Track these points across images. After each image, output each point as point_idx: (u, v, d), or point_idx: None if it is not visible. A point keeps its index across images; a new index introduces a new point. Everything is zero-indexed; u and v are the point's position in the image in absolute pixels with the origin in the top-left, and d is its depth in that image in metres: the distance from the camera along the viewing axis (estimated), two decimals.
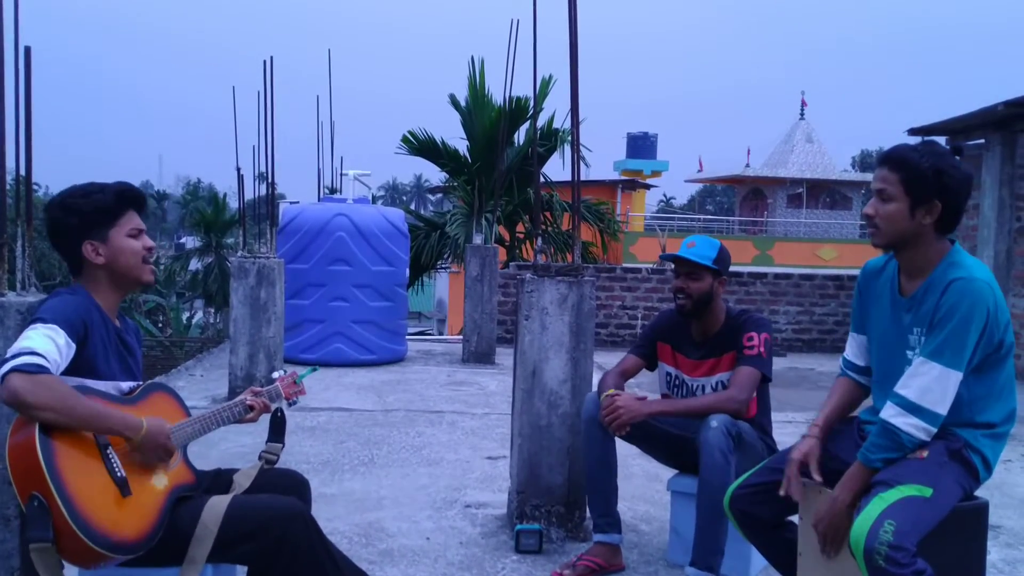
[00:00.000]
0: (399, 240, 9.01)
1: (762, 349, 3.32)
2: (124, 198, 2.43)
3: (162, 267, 27.32)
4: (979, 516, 2.49)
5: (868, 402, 2.74)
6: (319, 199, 9.72)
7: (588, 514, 3.52)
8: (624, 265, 12.90)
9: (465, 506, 4.24)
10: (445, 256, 16.02)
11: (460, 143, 15.38)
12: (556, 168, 37.40)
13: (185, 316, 25.16)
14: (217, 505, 2.31)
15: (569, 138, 7.05)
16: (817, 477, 2.52)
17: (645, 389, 5.40)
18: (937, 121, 9.37)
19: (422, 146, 15.20)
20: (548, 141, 14.71)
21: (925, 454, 2.38)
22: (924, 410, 2.35)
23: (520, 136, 14.83)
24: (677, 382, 3.54)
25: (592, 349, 3.78)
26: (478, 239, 9.57)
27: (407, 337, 9.81)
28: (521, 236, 15.97)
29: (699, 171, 42.85)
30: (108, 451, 2.19)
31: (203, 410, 2.59)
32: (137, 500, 2.21)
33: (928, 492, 2.28)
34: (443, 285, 29.54)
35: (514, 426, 3.91)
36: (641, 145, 41.80)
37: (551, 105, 16.73)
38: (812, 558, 2.55)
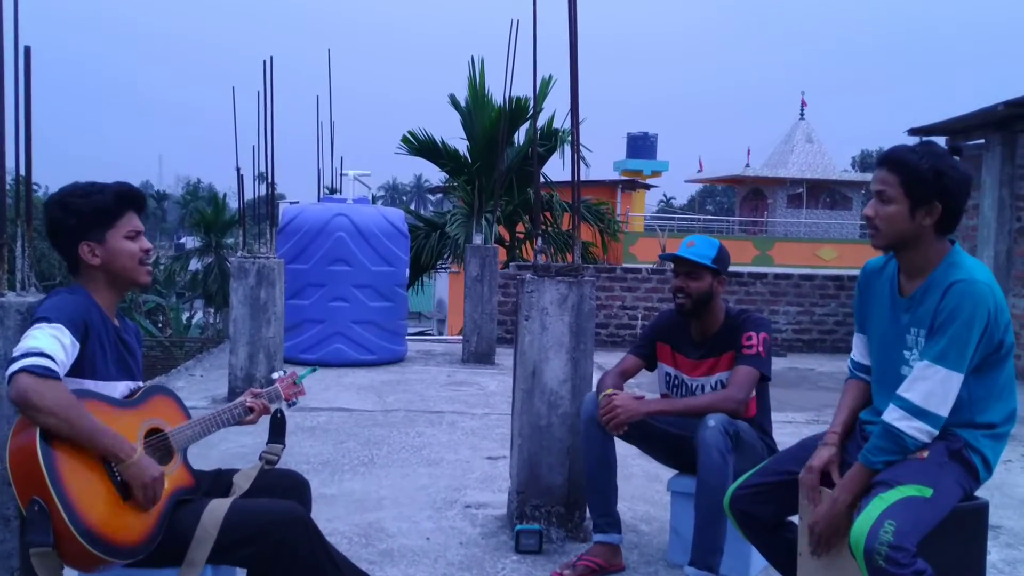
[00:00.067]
0: (399, 240, 9.01)
1: (761, 349, 3.32)
2: (123, 199, 2.42)
3: (162, 267, 27.33)
4: (979, 516, 2.49)
5: None
6: (319, 199, 9.72)
7: (588, 514, 3.52)
8: (624, 265, 12.90)
9: (465, 506, 4.24)
10: (445, 256, 16.01)
11: (460, 143, 15.40)
12: (556, 168, 37.46)
13: (185, 316, 25.17)
14: (217, 509, 2.31)
15: (569, 138, 7.04)
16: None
17: (645, 389, 5.40)
18: (937, 121, 9.37)
19: (422, 146, 15.19)
20: (548, 141, 14.70)
21: (925, 454, 2.38)
22: (928, 414, 2.36)
23: (520, 136, 14.83)
24: (676, 382, 3.54)
25: (592, 349, 3.78)
26: (478, 239, 9.57)
27: (407, 337, 9.82)
28: (521, 236, 15.97)
29: (699, 171, 42.85)
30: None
31: (203, 410, 2.60)
32: (137, 504, 2.20)
33: (928, 492, 2.28)
34: (443, 285, 29.54)
35: (514, 426, 3.90)
36: (641, 145, 41.80)
37: (551, 105, 16.76)
38: (812, 558, 2.55)
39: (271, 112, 7.01)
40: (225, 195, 32.14)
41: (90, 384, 2.28)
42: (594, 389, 3.53)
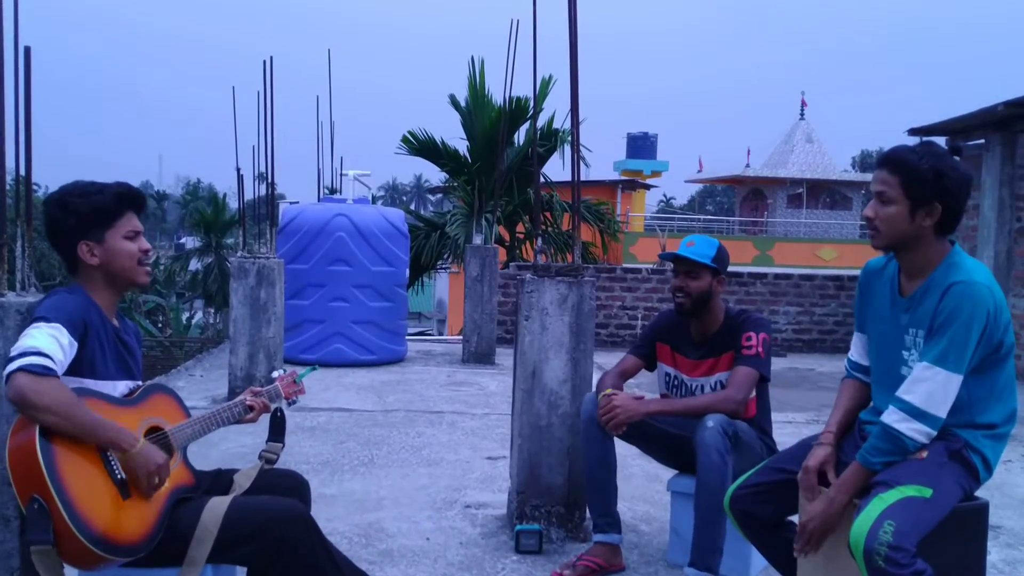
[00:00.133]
0: (399, 240, 9.01)
1: (760, 349, 3.32)
2: (123, 199, 2.42)
3: (162, 267, 27.34)
4: (979, 516, 2.49)
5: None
6: (319, 199, 9.72)
7: (588, 514, 3.52)
8: (624, 265, 12.90)
9: (465, 506, 4.23)
10: (445, 256, 16.01)
11: (460, 143, 15.40)
12: (556, 168, 37.49)
13: (185, 316, 25.17)
14: (217, 506, 2.31)
15: (569, 138, 7.05)
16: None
17: (644, 389, 5.40)
18: (937, 121, 9.37)
19: (422, 146, 15.19)
20: (548, 141, 14.70)
21: (925, 455, 2.38)
22: (928, 415, 2.36)
23: (520, 136, 14.83)
24: (676, 382, 3.54)
25: (592, 349, 3.78)
26: (478, 239, 9.57)
27: (407, 337, 9.82)
28: (521, 236, 15.97)
29: (699, 171, 42.86)
30: (108, 453, 2.19)
31: (203, 410, 2.59)
32: (137, 502, 2.21)
33: (928, 493, 2.28)
34: (443, 285, 29.53)
35: (514, 426, 3.90)
36: (641, 145, 41.81)
37: (551, 105, 16.74)
38: (812, 558, 2.55)
39: (271, 112, 7.01)
40: (225, 195, 32.15)
41: (90, 383, 2.28)
42: (594, 389, 3.53)
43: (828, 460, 2.54)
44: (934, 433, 2.38)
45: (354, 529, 3.84)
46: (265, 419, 2.74)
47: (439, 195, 31.63)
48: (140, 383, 2.48)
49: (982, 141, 8.99)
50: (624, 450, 3.57)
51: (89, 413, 2.14)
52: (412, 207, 41.69)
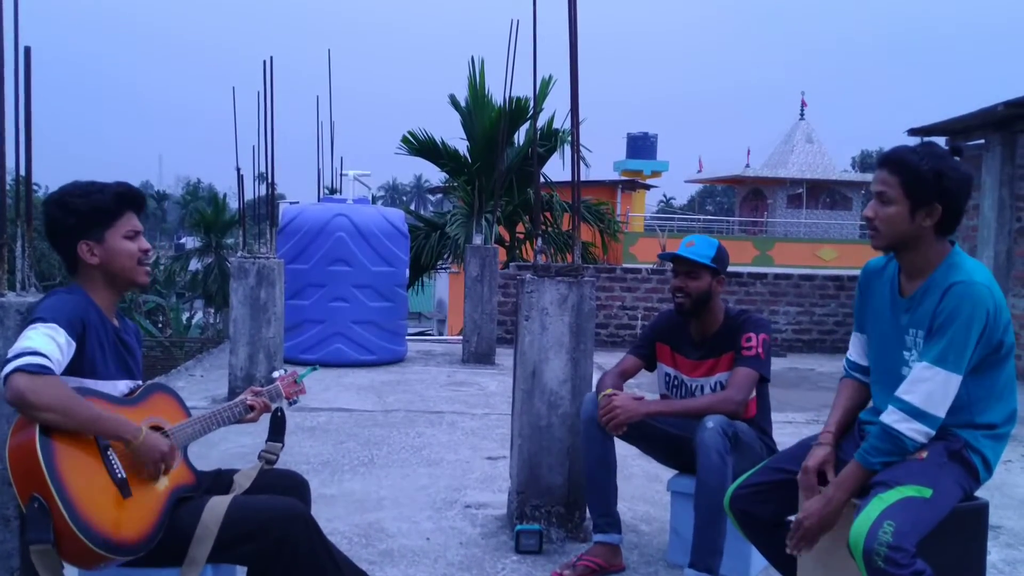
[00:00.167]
0: (399, 240, 9.01)
1: (760, 350, 3.32)
2: (123, 199, 2.42)
3: (162, 267, 27.35)
4: (979, 517, 2.49)
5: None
6: (319, 199, 9.72)
7: (588, 514, 3.52)
8: (624, 265, 12.90)
9: (465, 506, 4.23)
10: (445, 256, 16.01)
11: (460, 143, 15.40)
12: (556, 168, 37.46)
13: (185, 316, 25.18)
14: (217, 506, 2.31)
15: (569, 138, 7.05)
16: None
17: (644, 389, 5.40)
18: (937, 121, 9.37)
19: (422, 146, 15.19)
20: (548, 141, 14.70)
21: (924, 455, 2.38)
22: (928, 415, 2.36)
23: (520, 136, 14.83)
24: (676, 382, 3.54)
25: (592, 349, 3.78)
26: (478, 239, 9.57)
27: (407, 337, 9.82)
28: (521, 236, 15.97)
29: (699, 171, 42.85)
30: (108, 452, 2.19)
31: (203, 410, 2.59)
32: (137, 501, 2.21)
33: (928, 493, 2.28)
34: (443, 285, 29.54)
35: (514, 426, 3.90)
36: (641, 145, 41.80)
37: (551, 105, 16.74)
38: (812, 558, 2.55)
39: (271, 112, 7.01)
40: (225, 195, 32.16)
41: (90, 383, 2.28)
42: (594, 389, 3.53)
43: (828, 460, 2.54)
44: (933, 433, 2.38)
45: (354, 529, 3.84)
46: (265, 419, 2.74)
47: (439, 195, 31.63)
48: (140, 383, 2.48)
49: (982, 141, 8.99)
50: (624, 450, 3.57)
51: (90, 407, 2.14)
52: (412, 207, 41.70)
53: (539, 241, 4.42)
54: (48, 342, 2.13)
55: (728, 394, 3.26)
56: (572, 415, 3.69)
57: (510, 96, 8.95)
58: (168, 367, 10.82)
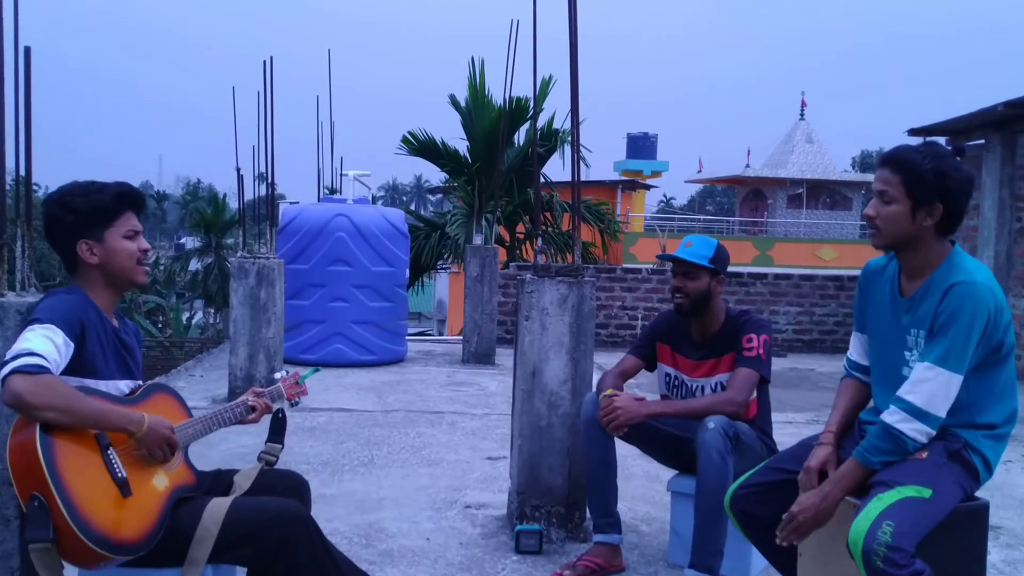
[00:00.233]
0: (399, 240, 9.01)
1: (761, 351, 3.32)
2: (122, 199, 2.42)
3: (162, 267, 27.37)
4: (979, 517, 2.49)
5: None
6: (319, 199, 9.72)
7: (588, 515, 3.52)
8: (624, 265, 12.90)
9: (465, 507, 4.23)
10: (445, 256, 16.01)
11: (460, 143, 15.40)
12: (556, 168, 37.48)
13: (185, 316, 25.19)
14: (218, 507, 2.31)
15: (569, 138, 7.04)
16: None
17: (645, 390, 5.40)
18: (937, 121, 9.37)
19: (422, 146, 15.19)
20: (548, 141, 14.70)
21: (925, 455, 2.38)
22: (929, 415, 2.36)
23: (520, 136, 14.82)
24: (676, 383, 3.54)
25: (592, 350, 3.78)
26: (478, 239, 9.56)
27: (407, 338, 9.81)
28: (521, 236, 15.96)
29: (699, 172, 42.85)
30: (109, 451, 2.19)
31: (203, 410, 2.59)
32: (137, 501, 2.21)
33: (927, 493, 2.27)
34: (443, 285, 29.53)
35: (514, 427, 3.90)
36: (641, 145, 41.81)
37: (551, 105, 16.74)
38: (812, 558, 2.55)
39: (271, 112, 7.01)
40: (225, 195, 32.15)
41: (91, 383, 2.28)
42: (594, 390, 3.53)
43: (829, 460, 2.54)
44: (934, 433, 2.38)
45: (354, 529, 3.84)
46: (266, 419, 2.74)
47: (439, 195, 31.62)
48: (140, 383, 2.48)
49: (982, 141, 8.99)
50: (624, 450, 3.57)
51: (91, 403, 2.14)
52: (412, 207, 41.68)
53: (539, 241, 4.42)
54: (45, 343, 2.13)
55: (729, 395, 3.25)
56: (572, 415, 3.69)
57: (510, 96, 8.95)
58: (168, 367, 10.82)
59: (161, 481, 2.31)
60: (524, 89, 20.88)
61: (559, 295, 3.70)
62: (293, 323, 8.26)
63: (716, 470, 3.03)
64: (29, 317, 2.24)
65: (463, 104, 15.00)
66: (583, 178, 6.99)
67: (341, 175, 11.12)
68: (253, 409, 2.64)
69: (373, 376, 8.09)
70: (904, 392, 2.40)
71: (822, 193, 37.02)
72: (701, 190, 70.53)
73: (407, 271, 9.39)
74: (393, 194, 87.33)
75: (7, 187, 2.78)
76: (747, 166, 37.92)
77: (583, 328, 3.73)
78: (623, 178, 34.63)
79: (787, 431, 5.69)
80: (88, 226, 2.37)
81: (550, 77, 13.75)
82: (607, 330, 11.03)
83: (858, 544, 2.17)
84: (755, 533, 2.75)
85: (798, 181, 36.11)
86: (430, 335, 20.42)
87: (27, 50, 2.80)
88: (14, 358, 2.08)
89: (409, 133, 15.06)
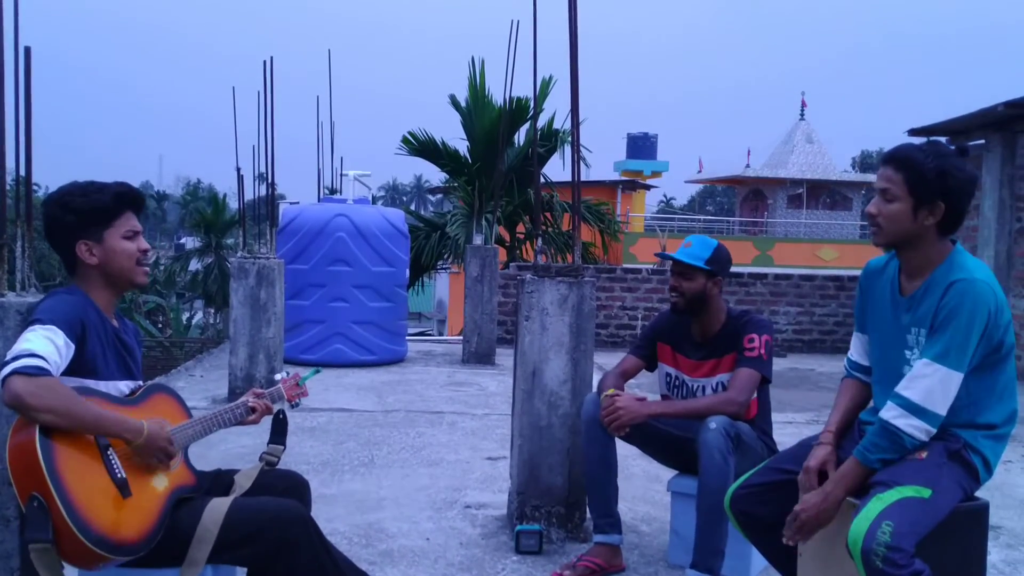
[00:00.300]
0: (399, 241, 9.01)
1: (763, 351, 3.32)
2: (122, 199, 2.42)
3: (162, 267, 27.37)
4: (979, 517, 2.49)
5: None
6: (319, 199, 9.72)
7: (588, 515, 3.52)
8: (624, 266, 12.90)
9: (465, 507, 4.23)
10: (445, 257, 16.01)
11: (460, 143, 15.39)
12: (556, 168, 37.43)
13: (185, 317, 25.19)
14: (218, 507, 2.31)
15: (569, 138, 7.04)
16: None
17: (645, 390, 5.40)
18: (938, 121, 9.37)
19: (422, 146, 15.18)
20: (548, 142, 14.70)
21: (924, 454, 2.38)
22: (927, 412, 2.35)
23: (520, 136, 14.82)
24: (677, 383, 3.54)
25: (592, 350, 3.78)
26: (478, 240, 9.56)
27: (407, 338, 9.81)
28: (521, 237, 15.96)
29: (699, 172, 42.85)
30: (109, 452, 2.19)
31: (203, 411, 2.59)
32: (137, 501, 2.21)
33: (927, 493, 2.27)
34: (443, 286, 29.53)
35: (514, 427, 3.90)
36: (641, 145, 41.81)
37: (551, 105, 16.73)
38: (812, 558, 2.55)
39: (271, 112, 7.01)
40: (225, 195, 32.13)
41: (91, 384, 2.28)
42: (595, 390, 3.53)
43: (829, 460, 2.54)
44: (933, 430, 2.37)
45: (354, 529, 3.84)
46: (266, 420, 2.74)
47: (439, 195, 31.62)
48: (141, 383, 2.48)
49: (982, 141, 8.99)
50: (625, 450, 3.56)
51: (90, 408, 2.13)
52: (412, 207, 41.67)
53: (539, 241, 4.43)
54: (46, 344, 2.12)
55: (730, 395, 3.25)
56: (572, 415, 3.69)
57: (510, 96, 8.95)
58: (168, 367, 10.82)
59: (161, 482, 2.31)
60: (524, 89, 20.88)
61: (559, 295, 3.70)
62: (293, 323, 8.26)
63: (718, 470, 3.03)
64: (30, 317, 2.24)
65: (463, 104, 14.99)
66: (583, 178, 6.98)
67: (341, 175, 11.12)
68: (253, 410, 2.64)
69: (373, 376, 8.09)
70: (901, 388, 2.40)
71: (822, 193, 37.02)
72: (701, 190, 70.54)
73: (407, 271, 9.39)
74: (393, 194, 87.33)
75: (7, 187, 2.78)
76: (747, 166, 37.92)
77: (583, 328, 3.73)
78: (623, 178, 34.63)
79: (787, 431, 5.69)
80: (87, 226, 2.37)
81: (550, 77, 13.75)
82: (607, 330, 11.03)
83: (857, 544, 2.17)
84: (755, 533, 2.75)
85: (798, 181, 36.11)
86: (430, 335, 20.42)
87: (27, 50, 2.80)
88: (15, 358, 2.07)
89: (409, 133, 15.06)
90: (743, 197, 39.36)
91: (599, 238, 16.87)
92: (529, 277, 3.77)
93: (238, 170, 7.66)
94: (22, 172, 2.87)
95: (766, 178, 36.72)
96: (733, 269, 3.60)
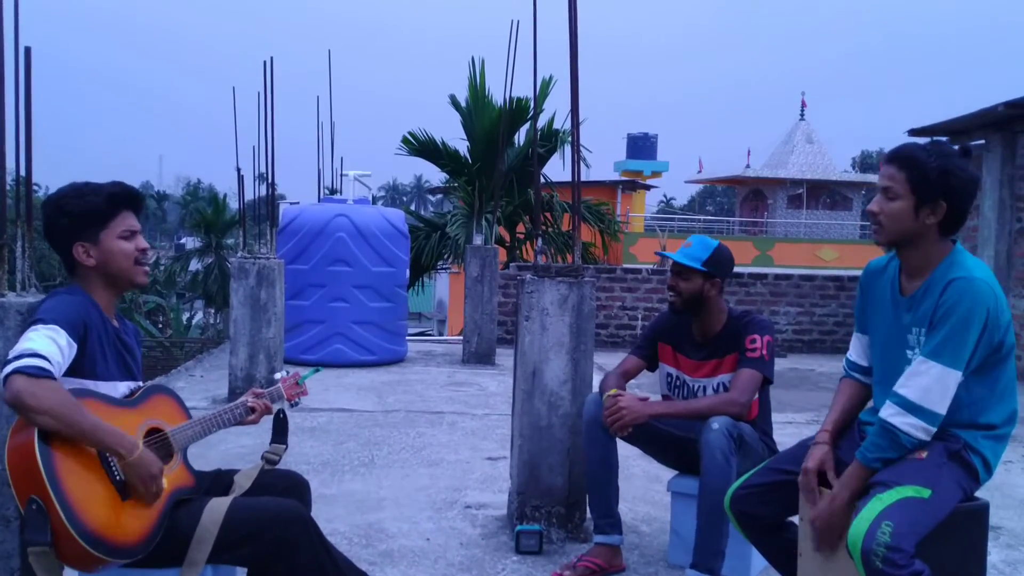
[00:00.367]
0: (399, 241, 9.01)
1: (764, 352, 3.32)
2: (116, 200, 2.41)
3: (162, 268, 27.38)
4: (979, 517, 2.49)
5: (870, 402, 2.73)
6: (319, 200, 9.72)
7: (588, 515, 3.52)
8: (624, 266, 12.89)
9: (465, 507, 4.23)
10: (445, 257, 16.01)
11: (460, 144, 15.39)
12: (556, 169, 37.39)
13: (185, 317, 25.20)
14: (217, 507, 2.31)
15: (569, 138, 7.04)
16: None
17: (646, 390, 5.40)
18: (938, 122, 9.37)
19: (422, 147, 15.18)
20: (548, 142, 14.69)
21: (924, 455, 2.38)
22: (924, 410, 2.35)
23: (520, 137, 14.82)
24: (678, 383, 3.54)
25: (592, 350, 3.78)
26: (478, 240, 9.56)
27: (407, 338, 9.81)
28: (521, 237, 15.95)
29: (699, 172, 42.85)
30: (108, 454, 2.18)
31: (203, 411, 2.59)
32: (136, 503, 2.20)
33: (927, 493, 2.27)
34: (443, 286, 29.53)
35: (514, 427, 3.90)
36: (641, 146, 41.80)
37: (551, 106, 16.75)
38: (812, 558, 2.55)
39: (271, 112, 7.01)
40: (225, 195, 32.14)
41: (90, 384, 2.28)
42: (595, 390, 3.53)
43: (826, 459, 2.54)
44: (932, 429, 2.37)
45: (354, 529, 3.84)
46: (265, 420, 2.74)
47: (439, 195, 31.61)
48: (140, 384, 2.48)
49: (982, 141, 8.99)
50: (625, 451, 3.56)
51: (87, 417, 2.12)
52: (412, 207, 41.68)
53: (539, 241, 4.43)
54: (49, 344, 2.12)
55: (732, 396, 3.25)
56: (572, 415, 3.69)
57: (510, 96, 8.95)
58: (168, 367, 10.83)
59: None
60: (524, 89, 20.88)
61: (559, 295, 3.70)
62: (293, 323, 8.27)
63: (720, 471, 3.02)
64: (32, 317, 2.23)
65: (463, 104, 14.99)
66: (583, 178, 6.97)
67: (341, 175, 11.12)
68: (253, 410, 2.64)
69: (373, 376, 8.09)
70: (898, 386, 2.40)
71: (822, 193, 37.01)
72: (701, 190, 70.53)
73: (407, 271, 9.39)
74: (393, 194, 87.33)
75: (7, 187, 2.78)
76: (747, 166, 37.92)
77: (583, 328, 3.73)
78: (623, 178, 34.61)
79: (787, 431, 5.69)
80: (82, 228, 2.36)
81: (550, 77, 13.75)
82: (607, 330, 11.02)
83: (857, 544, 2.17)
84: (755, 534, 2.75)
85: (798, 181, 36.11)
86: (430, 335, 20.42)
87: (27, 50, 2.80)
88: (18, 357, 2.07)
89: (409, 133, 15.06)
90: (743, 197, 39.36)
91: (599, 238, 16.87)
92: (529, 277, 3.77)
93: (238, 170, 7.66)
94: (22, 172, 2.87)
95: (766, 178, 36.71)
96: (734, 269, 3.60)
